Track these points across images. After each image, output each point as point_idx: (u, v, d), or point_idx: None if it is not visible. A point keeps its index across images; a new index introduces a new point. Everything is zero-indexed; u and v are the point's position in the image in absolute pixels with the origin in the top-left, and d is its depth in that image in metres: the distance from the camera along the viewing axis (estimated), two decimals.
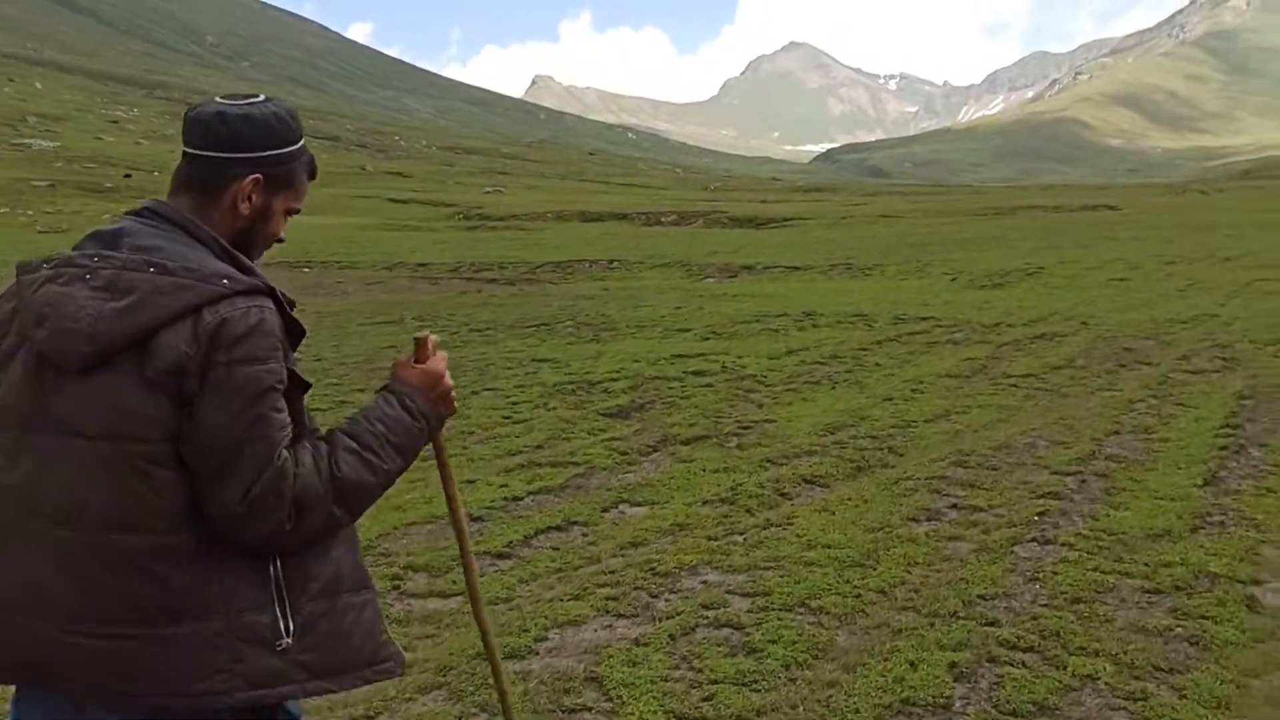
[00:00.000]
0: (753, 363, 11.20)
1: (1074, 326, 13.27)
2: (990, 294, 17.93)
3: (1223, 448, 6.95)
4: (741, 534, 5.70)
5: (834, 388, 9.93)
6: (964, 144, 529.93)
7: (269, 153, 1.88)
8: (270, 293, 1.80)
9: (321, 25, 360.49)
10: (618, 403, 9.29)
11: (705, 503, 6.35)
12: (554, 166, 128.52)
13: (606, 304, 17.25)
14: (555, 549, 5.61)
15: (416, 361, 1.98)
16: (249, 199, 1.89)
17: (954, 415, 8.50)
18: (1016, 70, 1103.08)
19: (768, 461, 7.25)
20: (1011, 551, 5.18)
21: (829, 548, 5.35)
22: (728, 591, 4.83)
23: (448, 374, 2.00)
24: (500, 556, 5.45)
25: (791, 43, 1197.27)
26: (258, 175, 1.88)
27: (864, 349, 12.08)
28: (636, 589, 4.86)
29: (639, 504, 6.43)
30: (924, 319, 14.53)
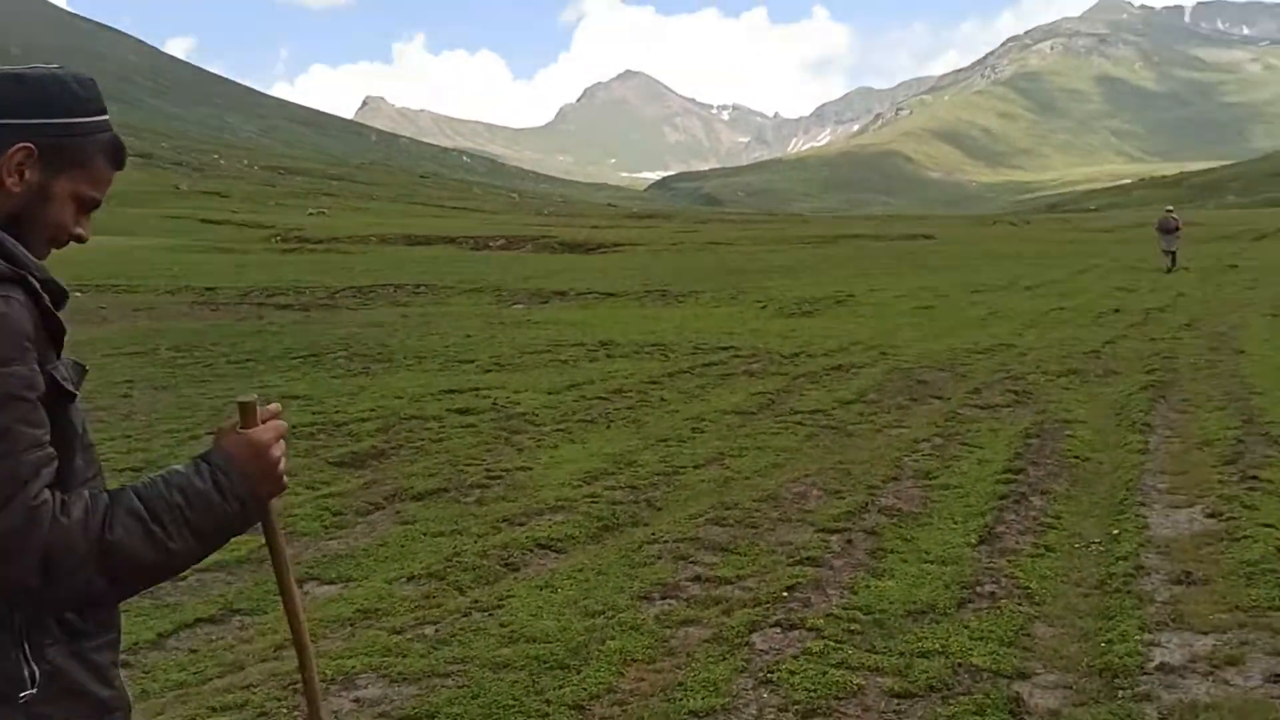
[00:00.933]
0: (528, 399, 10.20)
1: (873, 357, 12.80)
2: (797, 322, 17.49)
3: (1003, 496, 6.32)
4: (436, 624, 4.65)
5: (609, 427, 9.02)
6: (794, 174, 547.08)
7: (45, 121, 1.60)
8: (18, 280, 1.50)
9: (137, 39, 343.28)
10: (356, 449, 8.12)
11: (411, 579, 5.28)
12: (384, 189, 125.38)
13: (394, 332, 15.99)
14: (193, 651, 4.44)
15: (242, 429, 1.65)
16: (19, 173, 1.58)
17: (728, 459, 7.69)
18: (843, 104, 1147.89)
19: (504, 521, 6.23)
20: (748, 641, 4.29)
21: (533, 641, 4.36)
22: (380, 715, 3.76)
23: (278, 446, 1.66)
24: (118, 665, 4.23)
25: (627, 71, 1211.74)
26: (29, 145, 1.58)
27: (654, 382, 11.25)
28: (261, 716, 3.74)
29: (331, 581, 5.33)
30: (724, 349, 13.86)
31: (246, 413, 1.66)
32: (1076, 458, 7.41)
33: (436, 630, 4.57)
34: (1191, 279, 24.20)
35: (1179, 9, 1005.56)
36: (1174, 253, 31.24)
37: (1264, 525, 5.44)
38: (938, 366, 11.88)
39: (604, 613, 4.66)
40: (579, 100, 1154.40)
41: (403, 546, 5.85)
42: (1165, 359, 11.58)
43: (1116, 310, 17.25)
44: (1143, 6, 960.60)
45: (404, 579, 5.29)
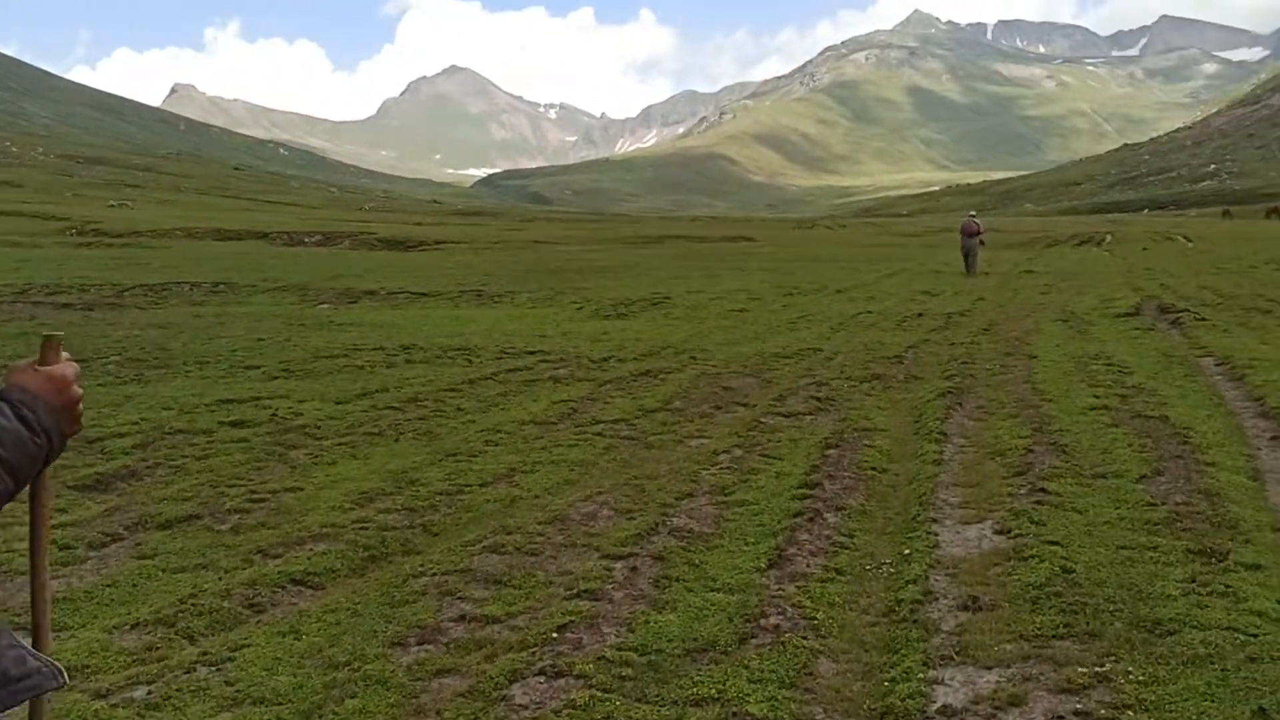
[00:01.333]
0: (312, 409, 9.48)
1: (682, 362, 12.58)
2: (612, 324, 17.19)
3: (798, 514, 6.08)
4: (151, 683, 4.02)
5: (397, 440, 8.42)
6: (621, 174, 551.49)
7: None
8: None
9: None
10: (105, 469, 7.28)
11: (135, 626, 4.61)
12: (193, 180, 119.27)
13: (179, 334, 14.84)
14: None
15: (41, 364, 1.62)
16: None
17: (518, 475, 7.22)
18: (669, 106, 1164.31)
19: (258, 553, 5.59)
20: (506, 695, 3.84)
21: (261, 703, 3.79)
22: None
23: (77, 384, 1.65)
24: None
25: (453, 66, 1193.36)
26: None
27: (453, 389, 10.68)
28: None
29: None
30: (532, 353, 13.40)
31: (50, 348, 1.65)
32: (874, 469, 7.28)
33: (150, 692, 3.94)
34: (991, 284, 25.18)
35: (982, 26, 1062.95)
36: (974, 256, 32.45)
37: (1050, 543, 5.36)
38: (745, 372, 11.74)
39: (349, 664, 4.13)
40: (403, 94, 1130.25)
41: (134, 586, 5.15)
42: (963, 364, 11.78)
43: (920, 315, 17.65)
44: (949, 22, 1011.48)
45: (127, 626, 4.61)
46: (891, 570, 5.22)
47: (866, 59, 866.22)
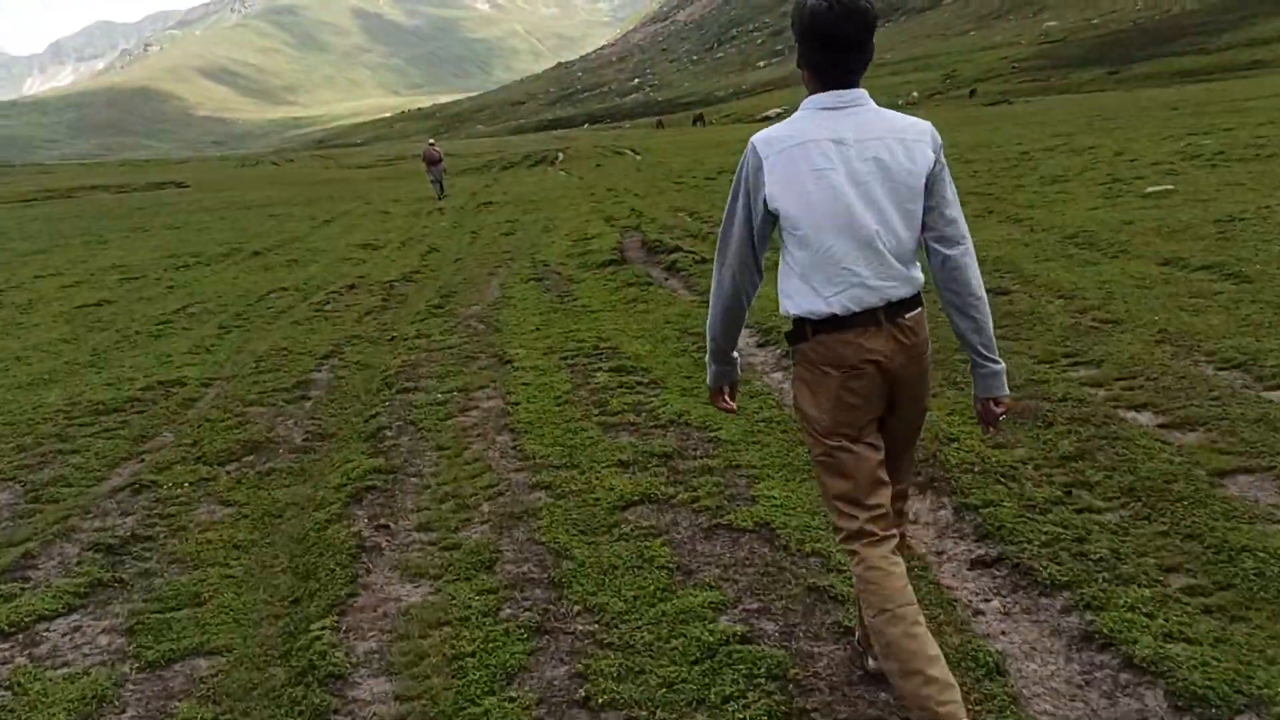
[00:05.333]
0: None
1: None
2: None
3: None
4: None
5: None
6: (35, 118, 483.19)
7: None
8: None
9: None
10: None
11: None
12: None
13: None
14: None
15: None
16: None
17: None
18: (83, 39, 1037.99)
19: None
20: None
21: None
22: None
23: None
24: None
25: None
26: None
27: None
28: None
29: None
30: None
31: None
32: None
33: None
34: (446, 223, 21.17)
35: None
36: (441, 182, 30.38)
37: None
38: (4, 475, 6.35)
39: None
40: None
41: None
42: (399, 397, 7.33)
43: (352, 286, 13.02)
44: None
45: None
46: None
47: None
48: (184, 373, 8.67)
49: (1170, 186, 13.33)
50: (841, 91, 2.70)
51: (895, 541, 2.78)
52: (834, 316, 2.69)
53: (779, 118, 67.52)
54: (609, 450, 5.56)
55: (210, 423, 6.97)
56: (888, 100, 71.20)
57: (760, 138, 2.73)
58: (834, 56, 2.68)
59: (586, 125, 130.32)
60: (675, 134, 72.21)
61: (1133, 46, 73.22)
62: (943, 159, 2.75)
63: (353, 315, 11.07)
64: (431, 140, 35.02)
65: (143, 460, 6.33)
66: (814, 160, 2.65)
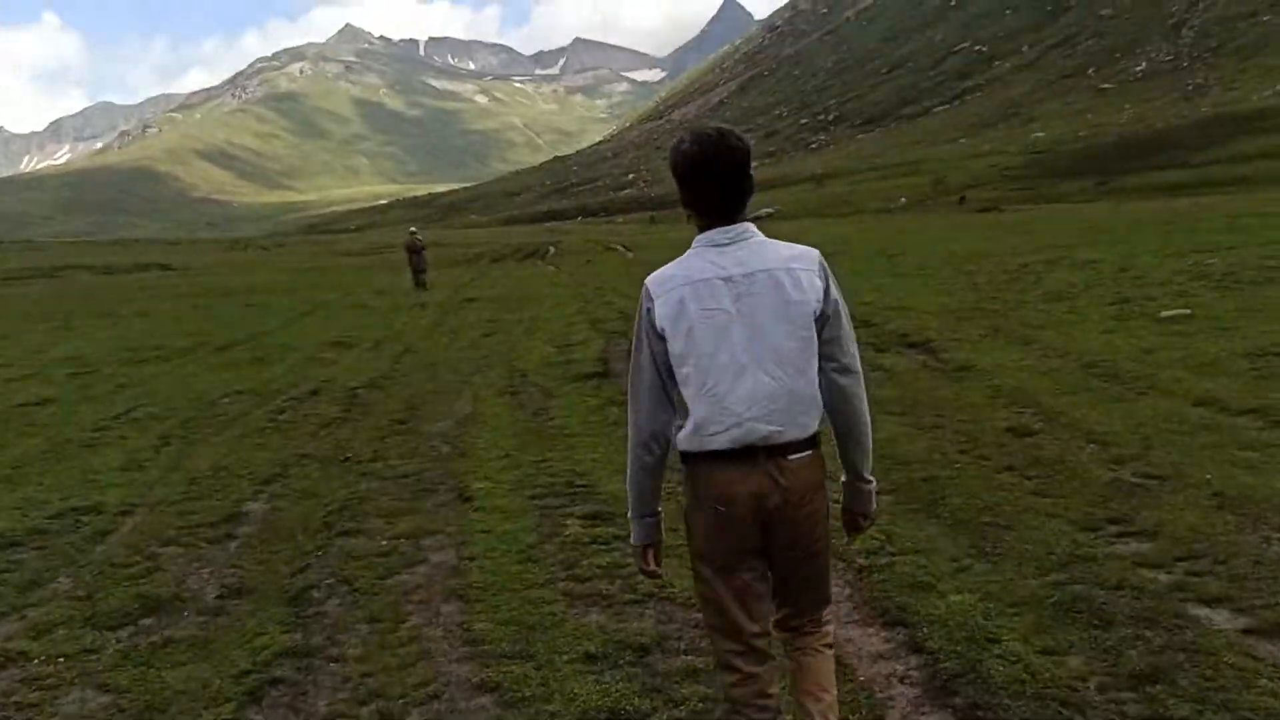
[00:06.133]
0: None
1: None
2: None
3: None
4: None
5: None
6: (30, 195, 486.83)
7: None
8: None
9: None
10: None
11: None
12: None
13: None
14: None
15: None
16: None
17: None
18: (82, 120, 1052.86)
19: None
20: None
21: None
22: None
23: None
24: None
25: None
26: None
27: None
28: None
29: None
30: None
31: None
32: None
33: None
34: (426, 321, 20.37)
35: (414, 42, 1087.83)
36: (423, 273, 29.65)
37: None
38: None
39: None
40: None
41: None
42: (332, 580, 6.38)
43: (314, 392, 12.09)
44: (382, 38, 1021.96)
45: None
46: None
47: (302, 71, 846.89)
48: (105, 496, 7.68)
49: (1186, 310, 12.61)
50: (727, 227, 2.77)
51: (769, 680, 2.87)
52: (715, 452, 2.74)
53: (769, 218, 67.67)
54: (574, 635, 4.60)
55: (114, 568, 5.99)
56: (878, 205, 71.61)
57: (653, 279, 2.85)
58: (710, 195, 2.76)
59: (580, 218, 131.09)
60: (668, 230, 72.25)
61: (1118, 159, 74.07)
62: (834, 286, 2.80)
63: (309, 428, 10.13)
64: (414, 229, 34.10)
65: (24, 618, 5.34)
66: (703, 299, 2.73)
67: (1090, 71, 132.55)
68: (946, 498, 6.20)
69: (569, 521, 6.37)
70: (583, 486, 7.16)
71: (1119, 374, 9.36)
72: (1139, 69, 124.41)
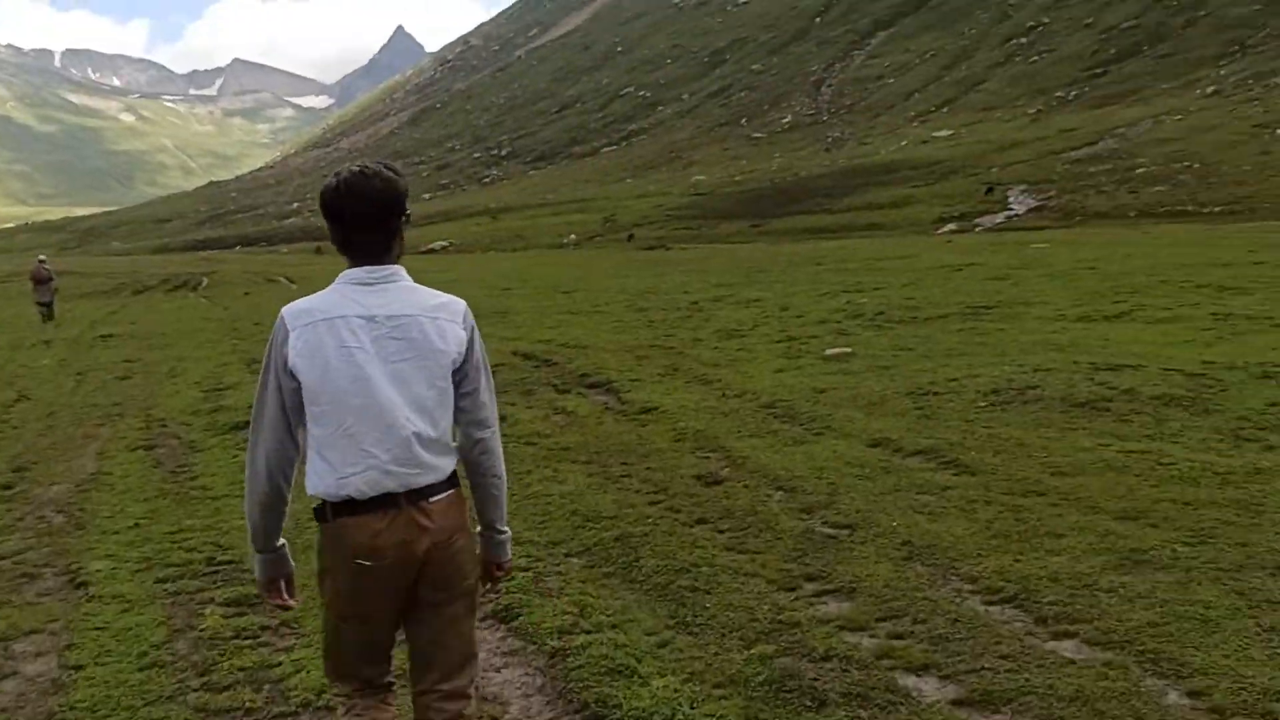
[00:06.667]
0: None
1: None
2: None
3: None
4: None
5: None
6: None
7: None
8: None
9: None
10: None
11: None
12: None
13: None
14: None
15: None
16: None
17: None
18: None
19: None
20: None
21: None
22: None
23: None
24: None
25: None
26: None
27: None
28: None
29: None
30: None
31: None
32: None
33: None
34: (51, 359, 17.88)
35: (49, 53, 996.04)
36: (50, 304, 26.64)
37: None
38: None
39: None
40: None
41: None
42: None
43: None
44: (10, 45, 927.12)
45: None
46: None
47: None
48: None
49: (848, 349, 13.16)
50: (375, 267, 2.71)
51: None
52: (354, 502, 2.64)
53: (443, 250, 66.60)
54: None
55: None
56: (551, 240, 72.54)
57: (290, 309, 2.72)
58: (352, 234, 2.69)
59: (239, 247, 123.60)
60: (335, 260, 69.31)
61: (770, 203, 79.36)
62: (477, 338, 2.79)
63: None
64: (42, 257, 30.97)
65: None
66: (341, 336, 2.64)
67: (743, 121, 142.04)
68: (641, 560, 5.75)
69: (207, 610, 5.36)
70: (226, 563, 6.12)
71: (796, 414, 9.43)
72: (785, 120, 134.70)
